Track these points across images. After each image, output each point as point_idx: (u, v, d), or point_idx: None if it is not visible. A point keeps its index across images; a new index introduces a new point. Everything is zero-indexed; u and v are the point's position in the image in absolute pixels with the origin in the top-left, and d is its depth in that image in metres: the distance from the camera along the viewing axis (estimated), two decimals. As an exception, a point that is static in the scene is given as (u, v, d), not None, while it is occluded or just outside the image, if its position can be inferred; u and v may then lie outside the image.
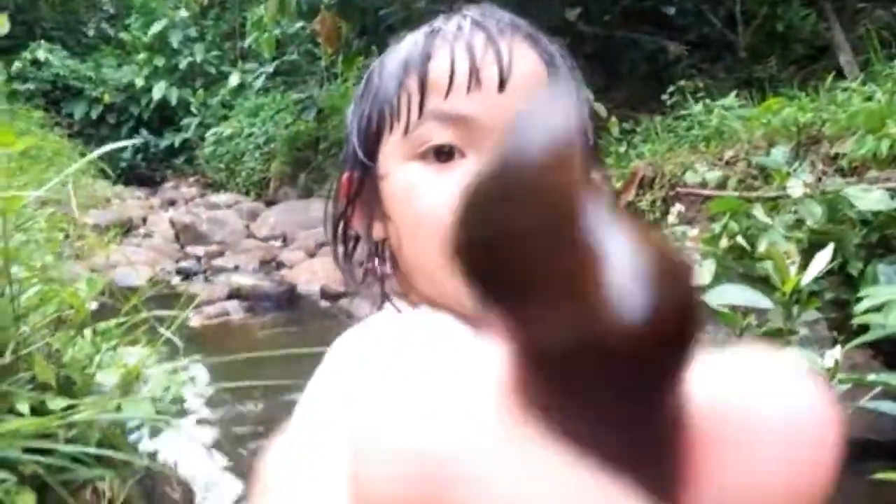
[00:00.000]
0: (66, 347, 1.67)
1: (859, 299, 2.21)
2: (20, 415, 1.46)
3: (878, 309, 1.97)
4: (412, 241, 0.53)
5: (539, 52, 0.55)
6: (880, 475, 2.08)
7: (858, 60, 4.85)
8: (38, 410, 1.50)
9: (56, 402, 1.48)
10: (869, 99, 3.61)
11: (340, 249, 0.62)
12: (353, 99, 0.61)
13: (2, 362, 1.48)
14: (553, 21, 6.84)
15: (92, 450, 1.56)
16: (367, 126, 0.57)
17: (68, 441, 1.54)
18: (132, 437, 1.75)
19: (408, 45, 0.57)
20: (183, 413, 1.90)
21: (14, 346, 1.53)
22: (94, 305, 1.85)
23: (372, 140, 0.57)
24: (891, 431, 2.43)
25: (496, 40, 0.53)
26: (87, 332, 1.81)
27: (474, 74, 0.52)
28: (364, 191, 0.57)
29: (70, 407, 1.56)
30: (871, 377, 1.28)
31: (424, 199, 0.52)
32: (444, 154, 0.52)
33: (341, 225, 0.60)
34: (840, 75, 4.57)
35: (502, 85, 0.52)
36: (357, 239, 0.62)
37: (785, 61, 6.35)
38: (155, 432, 1.73)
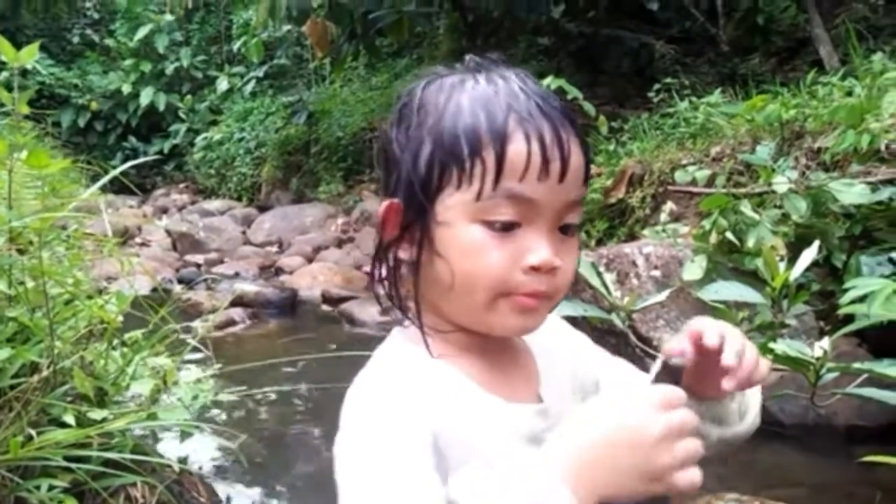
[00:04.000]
0: (98, 360, 1.75)
1: (844, 290, 2.33)
2: (62, 425, 1.54)
3: (861, 299, 2.09)
4: (468, 284, 0.65)
5: (582, 144, 0.67)
6: (869, 458, 2.19)
7: (838, 52, 4.97)
8: (77, 421, 1.58)
9: (95, 413, 1.56)
10: (849, 94, 3.73)
11: (381, 268, 0.72)
12: (400, 124, 0.69)
13: (42, 376, 1.56)
14: (539, 19, 6.95)
15: (127, 455, 1.65)
16: (427, 170, 0.66)
17: (103, 449, 1.63)
18: (161, 445, 1.83)
19: (475, 103, 0.65)
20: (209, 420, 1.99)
21: (51, 359, 1.61)
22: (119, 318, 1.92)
23: (434, 187, 0.66)
24: (877, 416, 2.55)
25: (560, 134, 0.64)
26: (115, 342, 1.89)
27: (545, 166, 0.63)
28: (415, 225, 0.67)
29: (104, 417, 1.64)
30: (857, 365, 1.38)
31: (486, 260, 0.64)
32: (507, 225, 0.64)
33: (391, 249, 0.70)
34: (820, 67, 4.68)
35: (563, 177, 0.64)
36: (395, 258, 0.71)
37: (766, 54, 6.47)
38: (184, 439, 1.81)
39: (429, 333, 0.69)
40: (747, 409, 0.76)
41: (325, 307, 5.05)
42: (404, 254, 0.69)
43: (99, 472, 1.64)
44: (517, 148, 0.63)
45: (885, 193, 2.90)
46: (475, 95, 0.66)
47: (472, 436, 0.63)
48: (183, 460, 1.81)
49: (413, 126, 0.68)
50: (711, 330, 0.68)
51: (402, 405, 0.63)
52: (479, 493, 0.58)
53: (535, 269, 0.64)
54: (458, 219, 0.65)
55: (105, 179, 1.97)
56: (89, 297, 1.86)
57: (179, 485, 1.91)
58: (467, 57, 0.72)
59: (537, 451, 0.65)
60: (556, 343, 0.78)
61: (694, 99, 4.77)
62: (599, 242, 4.26)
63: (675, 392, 0.57)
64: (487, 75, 0.68)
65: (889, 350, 2.64)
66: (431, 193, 0.66)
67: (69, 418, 1.49)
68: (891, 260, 2.79)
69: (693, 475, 0.55)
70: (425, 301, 0.69)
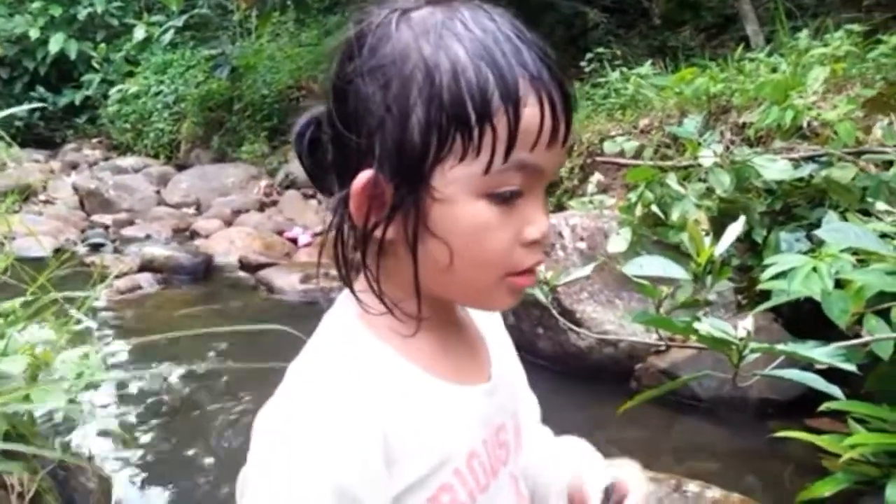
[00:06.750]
0: (-35, 334, 1.56)
1: (764, 266, 2.33)
2: (-84, 409, 1.36)
3: (781, 275, 2.09)
4: (474, 266, 0.58)
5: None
6: (780, 433, 2.23)
7: (765, 30, 5.03)
8: (-64, 403, 1.40)
9: (-44, 394, 1.39)
10: (774, 70, 3.76)
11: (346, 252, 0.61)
12: (372, 75, 0.56)
13: None
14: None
15: (-1, 442, 1.48)
16: (423, 139, 0.55)
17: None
18: (44, 427, 1.67)
19: (476, 56, 0.55)
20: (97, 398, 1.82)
21: None
22: (-7, 286, 1.73)
23: (431, 158, 0.55)
24: (789, 390, 2.59)
25: (567, 94, 0.57)
26: (-12, 314, 1.70)
27: (555, 131, 0.56)
28: (405, 202, 0.56)
29: (-28, 397, 1.46)
30: (781, 347, 1.35)
31: (493, 239, 0.57)
32: (510, 195, 0.57)
33: (378, 231, 0.58)
34: (747, 44, 4.73)
35: (565, 140, 0.58)
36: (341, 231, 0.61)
37: (696, 29, 6.53)
38: (68, 420, 1.65)
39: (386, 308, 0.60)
40: None
41: (241, 273, 4.81)
42: (391, 233, 0.58)
43: (-33, 459, 1.47)
44: (531, 113, 0.55)
45: (806, 170, 2.93)
46: (472, 46, 0.55)
47: (423, 427, 0.59)
48: (66, 445, 1.65)
49: (394, 81, 0.56)
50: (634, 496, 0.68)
51: (343, 425, 0.55)
52: None
53: (534, 243, 0.59)
54: (460, 195, 0.56)
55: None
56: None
57: (65, 470, 1.75)
58: None
59: (487, 431, 0.64)
60: (496, 323, 0.75)
61: (625, 70, 4.75)
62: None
63: None
64: (472, 14, 0.57)
65: (803, 325, 2.70)
66: (427, 166, 0.55)
67: (-80, 402, 1.31)
68: (808, 236, 2.84)
69: None
70: (391, 277, 0.61)
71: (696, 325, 1.36)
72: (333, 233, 0.61)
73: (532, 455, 0.75)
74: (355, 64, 0.57)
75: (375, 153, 0.56)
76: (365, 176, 0.57)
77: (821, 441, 2.15)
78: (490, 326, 0.73)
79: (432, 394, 0.61)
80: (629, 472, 0.70)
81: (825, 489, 2.05)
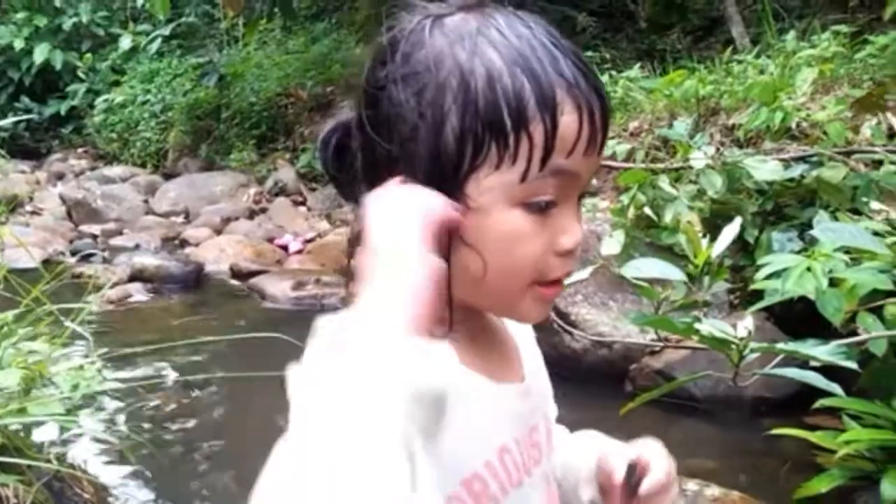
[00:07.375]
0: (-42, 346, 1.54)
1: (758, 266, 2.35)
2: None
3: (776, 275, 2.10)
4: (506, 275, 0.57)
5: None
6: (776, 431, 2.24)
7: (750, 32, 5.08)
8: (-70, 417, 1.38)
9: (-50, 408, 1.37)
10: (762, 72, 3.79)
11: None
12: (405, 81, 0.55)
13: None
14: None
15: (-7, 455, 1.46)
16: (458, 147, 0.54)
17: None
18: (39, 439, 1.64)
19: (511, 63, 0.54)
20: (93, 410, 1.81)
21: None
22: (-14, 298, 1.71)
23: (466, 167, 0.55)
24: (783, 387, 2.60)
25: (604, 102, 0.56)
26: (-20, 327, 1.68)
27: (592, 138, 0.56)
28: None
29: (-34, 410, 1.44)
30: (781, 346, 1.35)
31: (526, 248, 0.57)
32: (546, 205, 0.56)
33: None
34: (734, 47, 4.77)
35: (601, 147, 0.57)
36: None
37: (682, 32, 6.57)
38: (64, 432, 1.63)
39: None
40: None
41: (233, 282, 4.79)
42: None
43: (-39, 473, 1.45)
44: (569, 121, 0.54)
45: (796, 170, 2.95)
46: (507, 52, 0.55)
47: (457, 410, 0.54)
48: (61, 456, 1.63)
49: (428, 87, 0.55)
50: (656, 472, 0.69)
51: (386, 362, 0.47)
52: None
53: (567, 252, 0.58)
54: (496, 204, 0.55)
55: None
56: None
57: (60, 481, 1.73)
58: None
59: (519, 430, 0.64)
60: (527, 332, 0.74)
61: (613, 73, 4.77)
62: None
63: None
64: (507, 21, 0.56)
65: (795, 324, 2.71)
66: (462, 174, 0.55)
67: (-86, 416, 1.29)
68: (800, 236, 2.86)
69: None
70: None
71: (696, 325, 1.37)
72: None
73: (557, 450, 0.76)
74: (388, 70, 0.57)
75: (408, 160, 0.56)
76: (395, 183, 0.56)
77: (816, 438, 2.17)
78: (522, 334, 0.73)
79: (467, 383, 0.60)
80: (652, 450, 0.71)
81: (821, 485, 2.07)
